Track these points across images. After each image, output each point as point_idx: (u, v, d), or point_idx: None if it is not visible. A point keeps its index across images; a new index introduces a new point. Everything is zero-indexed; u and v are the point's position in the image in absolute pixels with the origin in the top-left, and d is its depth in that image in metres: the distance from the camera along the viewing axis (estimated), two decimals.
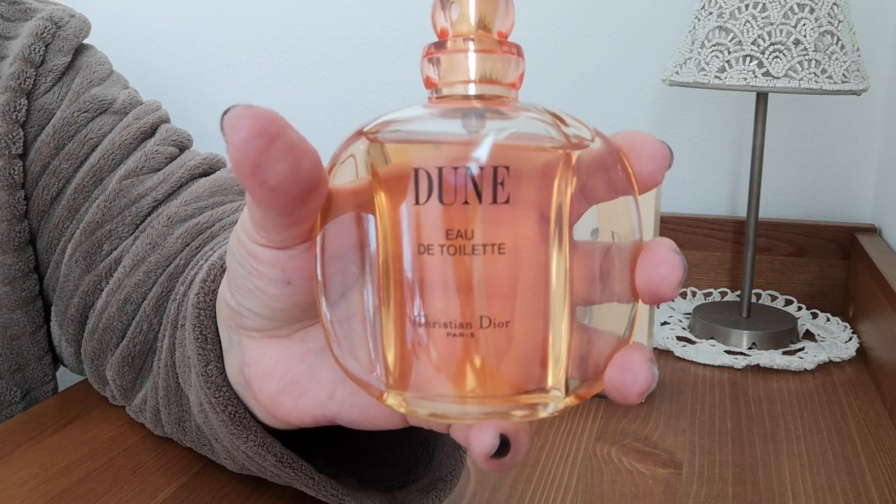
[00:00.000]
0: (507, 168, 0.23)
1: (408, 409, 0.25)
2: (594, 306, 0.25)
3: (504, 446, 0.23)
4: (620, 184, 0.24)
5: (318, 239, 0.25)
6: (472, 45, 0.25)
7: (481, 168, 0.23)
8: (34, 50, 0.52)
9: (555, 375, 0.24)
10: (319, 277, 0.25)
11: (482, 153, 0.23)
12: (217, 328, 0.34)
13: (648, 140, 0.25)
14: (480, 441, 0.23)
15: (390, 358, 0.24)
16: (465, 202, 0.23)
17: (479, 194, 0.23)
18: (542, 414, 0.24)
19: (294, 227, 0.25)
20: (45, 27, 0.53)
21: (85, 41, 0.57)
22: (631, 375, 0.23)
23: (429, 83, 0.26)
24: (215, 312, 0.34)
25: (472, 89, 0.25)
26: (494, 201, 0.23)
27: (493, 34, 0.25)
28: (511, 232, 0.24)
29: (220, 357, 0.34)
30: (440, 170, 0.23)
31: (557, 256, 0.24)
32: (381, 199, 0.24)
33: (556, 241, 0.24)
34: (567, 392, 0.24)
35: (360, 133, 0.25)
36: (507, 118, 0.24)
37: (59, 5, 0.57)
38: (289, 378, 0.30)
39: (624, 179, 0.24)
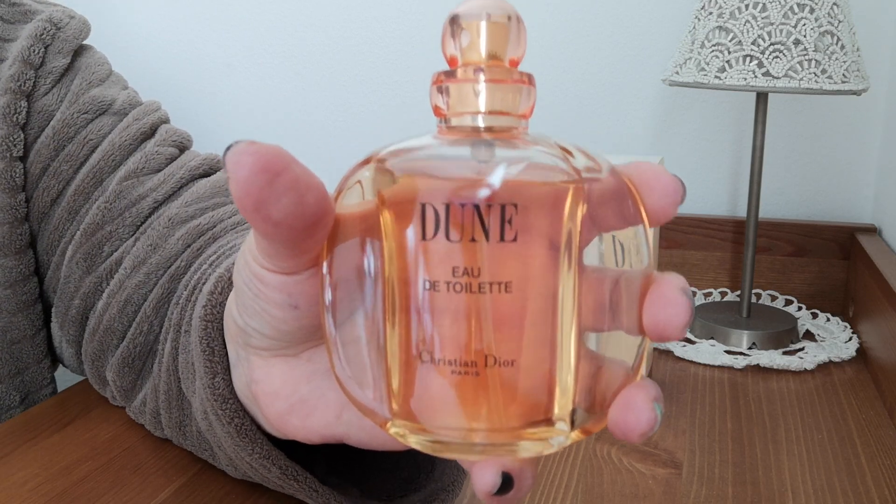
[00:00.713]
0: (515, 206, 0.23)
1: (410, 440, 0.24)
2: (607, 334, 0.24)
3: (507, 484, 0.23)
4: (631, 216, 0.24)
5: (325, 264, 0.25)
6: (482, 76, 0.24)
7: (489, 206, 0.23)
8: (34, 52, 0.52)
9: (561, 405, 0.24)
10: (326, 302, 0.25)
11: (490, 190, 0.23)
12: (224, 341, 0.34)
13: (661, 174, 0.24)
14: (482, 479, 0.23)
15: (395, 387, 0.24)
16: (473, 239, 0.23)
17: (486, 232, 0.23)
18: (548, 450, 0.24)
19: (300, 256, 0.25)
20: (45, 29, 0.53)
21: (85, 42, 0.57)
22: (634, 416, 0.23)
23: (437, 112, 0.25)
24: (222, 325, 0.34)
25: (480, 121, 0.24)
26: (502, 239, 0.23)
27: (504, 62, 0.24)
28: (518, 269, 0.23)
29: (227, 370, 0.33)
30: (447, 206, 0.23)
31: (566, 283, 0.24)
32: (388, 224, 0.24)
33: (566, 268, 0.24)
34: (573, 426, 0.24)
35: (367, 160, 0.24)
36: (517, 151, 0.24)
37: (58, 7, 0.56)
38: (297, 398, 0.30)
39: (635, 213, 0.24)
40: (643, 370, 0.24)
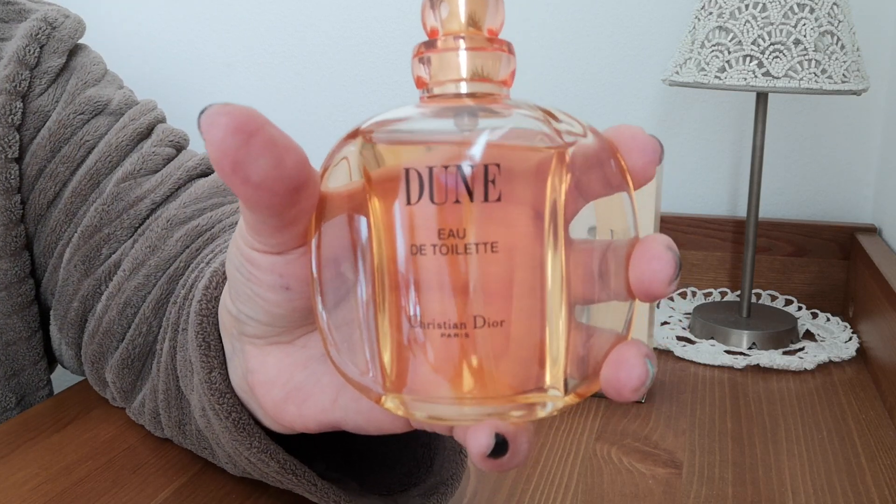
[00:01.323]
0: (498, 166, 0.23)
1: (406, 412, 0.24)
2: (592, 305, 0.24)
3: (501, 446, 0.23)
4: (615, 179, 0.24)
5: (313, 242, 0.25)
6: (462, 44, 0.24)
7: (472, 166, 0.23)
8: (29, 52, 0.52)
9: (553, 375, 0.24)
10: (315, 281, 0.25)
11: (473, 152, 0.23)
12: (220, 335, 0.34)
13: (638, 134, 0.24)
14: (476, 441, 0.23)
15: (387, 360, 0.24)
16: (457, 201, 0.23)
17: (470, 193, 0.23)
18: (541, 413, 0.24)
19: (287, 229, 0.25)
20: (40, 28, 0.53)
21: (81, 41, 0.57)
22: (625, 372, 0.23)
23: (420, 83, 0.25)
24: (217, 320, 0.34)
25: (463, 87, 0.25)
26: (486, 199, 0.23)
27: (483, 32, 0.25)
28: (504, 230, 0.23)
29: (224, 364, 0.34)
30: (431, 169, 0.23)
31: (553, 254, 0.24)
32: (375, 200, 0.24)
33: (552, 239, 0.24)
34: (566, 391, 0.24)
35: (351, 135, 0.25)
36: (498, 116, 0.24)
37: (53, 6, 0.56)
38: (292, 385, 0.30)
39: (618, 174, 0.24)
40: (632, 333, 0.25)
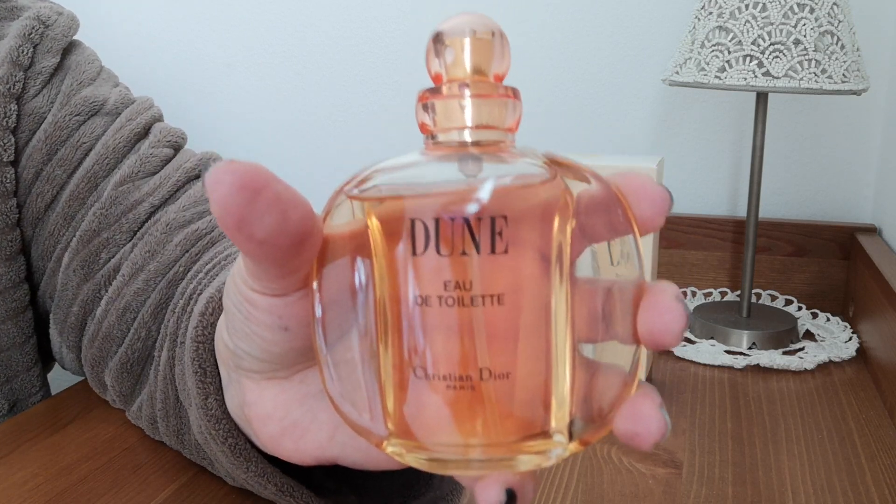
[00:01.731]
0: (505, 218, 0.23)
1: (407, 459, 0.24)
2: (602, 344, 0.24)
3: (511, 499, 0.23)
4: (620, 226, 0.24)
5: (315, 284, 0.25)
6: (467, 92, 0.24)
7: (479, 219, 0.23)
8: (22, 52, 0.51)
9: (558, 418, 0.24)
10: (317, 323, 0.25)
11: (479, 203, 0.23)
12: (216, 361, 0.33)
13: (648, 184, 0.24)
14: (486, 497, 0.23)
15: (390, 406, 0.24)
16: (463, 253, 0.23)
17: (476, 245, 0.23)
18: (546, 463, 0.24)
19: (289, 276, 0.24)
20: (33, 27, 0.52)
21: (77, 37, 0.56)
22: (644, 427, 0.23)
23: (424, 129, 0.25)
24: (213, 346, 0.33)
25: (468, 135, 0.24)
26: (493, 251, 0.23)
27: (489, 78, 0.24)
28: (510, 281, 0.23)
29: (220, 390, 0.33)
30: (437, 220, 0.23)
31: (558, 295, 0.24)
32: (377, 242, 0.24)
33: (558, 280, 0.24)
34: (571, 437, 0.24)
35: (355, 179, 0.24)
36: (503, 163, 0.24)
37: (46, 3, 0.55)
38: (289, 420, 0.30)
39: (624, 222, 0.24)
40: (640, 376, 0.24)
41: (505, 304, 0.23)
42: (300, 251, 0.23)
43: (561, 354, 0.24)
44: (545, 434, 0.24)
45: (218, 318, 0.33)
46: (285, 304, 0.26)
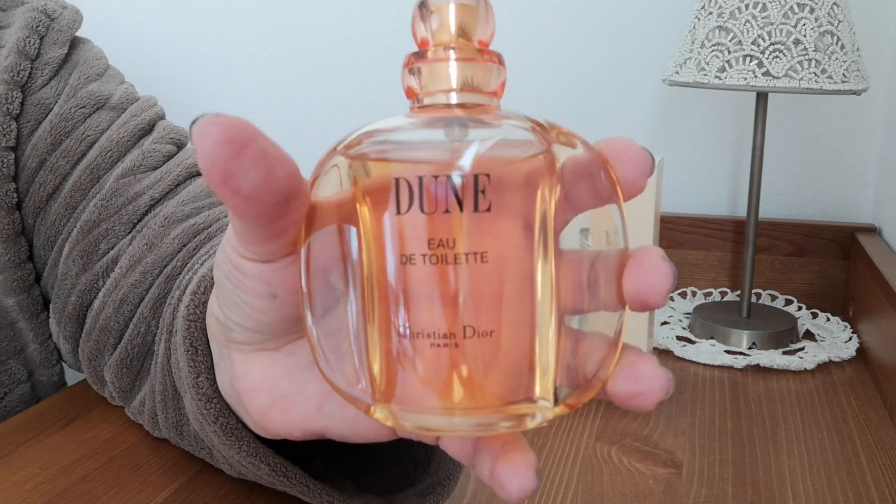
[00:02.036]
0: (489, 176, 0.23)
1: (395, 423, 0.24)
2: (587, 314, 0.24)
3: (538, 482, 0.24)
4: (605, 191, 0.24)
5: (303, 251, 0.25)
6: (452, 54, 0.24)
7: (462, 176, 0.23)
8: (29, 43, 0.52)
9: (542, 385, 0.24)
10: (304, 290, 0.25)
11: (463, 162, 0.23)
12: (208, 340, 0.34)
13: (630, 146, 0.24)
14: (518, 483, 0.23)
15: (376, 370, 0.24)
16: (447, 211, 0.23)
17: (460, 203, 0.23)
18: (530, 425, 0.24)
19: (276, 238, 0.24)
20: (40, 20, 0.53)
21: (82, 36, 0.57)
22: (646, 385, 0.23)
23: (410, 93, 0.25)
24: (205, 325, 0.33)
25: (453, 98, 0.24)
26: (476, 210, 0.23)
27: (473, 42, 0.25)
28: (494, 240, 0.23)
29: (211, 368, 0.34)
30: (421, 179, 0.23)
31: (543, 265, 0.24)
32: (364, 210, 0.24)
33: (542, 250, 0.24)
34: (556, 402, 0.24)
35: (342, 145, 0.24)
36: (489, 127, 0.24)
37: None
38: (277, 392, 0.30)
39: (608, 186, 0.24)
40: (623, 339, 0.25)
41: (489, 263, 0.23)
42: (286, 210, 0.23)
43: (545, 322, 0.24)
44: (529, 399, 0.24)
45: (209, 297, 0.33)
46: (273, 270, 0.26)
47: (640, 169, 0.24)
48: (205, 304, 0.34)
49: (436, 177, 0.23)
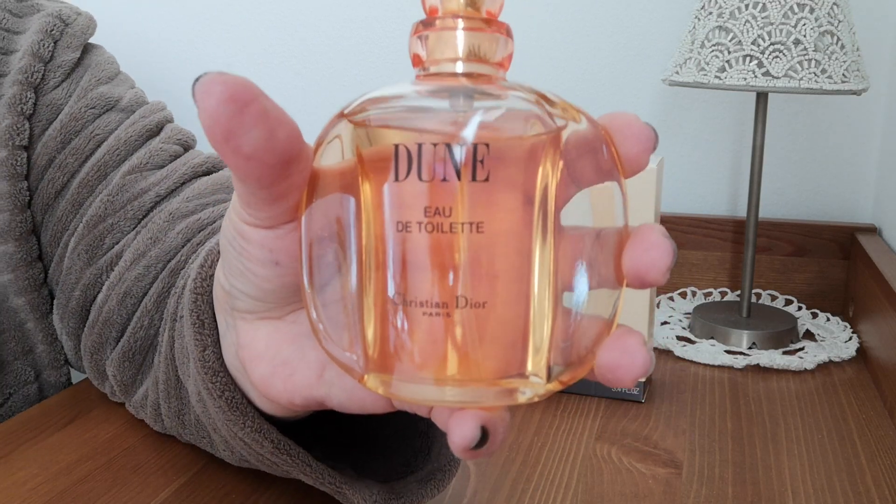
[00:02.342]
0: (487, 146, 0.23)
1: (386, 391, 0.24)
2: (584, 291, 0.24)
3: (484, 438, 0.23)
4: (607, 166, 0.24)
5: (303, 219, 0.25)
6: (460, 23, 0.24)
7: (461, 146, 0.23)
8: (43, 46, 0.53)
9: (535, 361, 0.24)
10: (304, 258, 0.25)
11: (464, 132, 0.23)
12: (214, 314, 0.34)
13: (633, 122, 0.24)
14: (461, 432, 0.23)
15: (370, 339, 0.24)
16: (444, 179, 0.23)
17: (458, 172, 0.23)
18: (521, 399, 0.24)
19: (277, 202, 0.25)
20: (54, 24, 0.54)
21: (94, 42, 0.58)
22: (628, 358, 0.23)
23: (416, 60, 0.25)
24: (212, 298, 0.34)
25: (459, 67, 0.24)
26: (474, 179, 0.23)
27: (481, 13, 0.25)
28: (491, 211, 0.23)
29: (217, 342, 0.34)
30: (420, 146, 0.23)
31: (541, 240, 0.24)
32: (365, 179, 0.24)
33: (541, 224, 0.24)
34: (549, 378, 0.24)
35: (346, 112, 0.24)
36: (493, 98, 0.24)
37: (65, 3, 0.58)
38: (279, 359, 0.30)
39: (610, 163, 0.24)
40: (619, 319, 0.24)
41: (485, 234, 0.23)
42: (287, 173, 0.23)
43: (542, 299, 0.24)
44: (522, 375, 0.24)
45: (215, 270, 0.33)
46: (276, 236, 0.26)
47: (643, 145, 0.24)
48: (211, 276, 0.34)
49: (434, 144, 0.23)
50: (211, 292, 0.34)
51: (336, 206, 0.25)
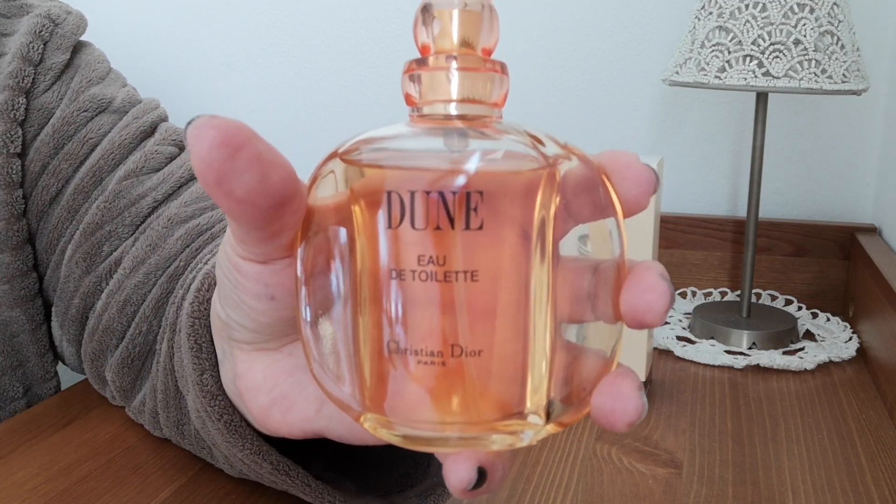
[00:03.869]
0: (481, 193, 0.22)
1: (383, 433, 0.24)
2: (583, 325, 0.24)
3: (481, 478, 0.23)
4: (604, 203, 0.24)
5: (299, 254, 0.25)
6: (454, 64, 0.24)
7: (454, 193, 0.22)
8: (33, 48, 0.52)
9: (534, 399, 0.24)
10: (300, 294, 0.24)
11: (456, 178, 0.22)
12: (212, 338, 0.34)
13: (633, 163, 0.24)
14: (457, 474, 0.23)
15: (366, 380, 0.24)
16: (438, 228, 0.23)
17: (451, 219, 0.22)
18: (520, 443, 0.24)
19: (271, 240, 0.24)
20: (44, 25, 0.53)
21: (83, 38, 0.57)
22: (621, 405, 0.23)
23: (409, 100, 0.25)
24: (209, 322, 0.34)
25: (453, 109, 0.24)
26: (468, 227, 0.23)
27: (476, 51, 0.24)
28: (485, 258, 0.23)
29: (216, 366, 0.34)
30: (412, 194, 0.22)
31: (539, 273, 0.23)
32: (359, 216, 0.24)
33: (538, 257, 0.23)
34: (548, 418, 0.24)
35: (339, 151, 0.24)
36: (488, 139, 0.24)
37: (55, 2, 0.56)
38: (277, 392, 0.30)
39: (606, 202, 0.23)
40: (618, 358, 0.24)
41: (480, 281, 0.23)
42: (281, 213, 0.23)
43: (540, 334, 0.23)
44: (521, 415, 0.24)
45: (212, 295, 0.33)
46: (271, 272, 0.26)
47: (643, 187, 0.24)
48: (209, 301, 0.34)
49: (427, 192, 0.22)
50: (208, 316, 0.34)
51: (331, 242, 0.24)
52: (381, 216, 0.23)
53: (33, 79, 0.52)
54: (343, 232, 0.24)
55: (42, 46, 0.53)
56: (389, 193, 0.23)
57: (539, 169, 0.23)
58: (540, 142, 0.24)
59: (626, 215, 0.24)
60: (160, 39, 0.97)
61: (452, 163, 0.23)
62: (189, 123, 0.22)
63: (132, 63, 0.97)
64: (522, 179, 0.23)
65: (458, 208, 0.22)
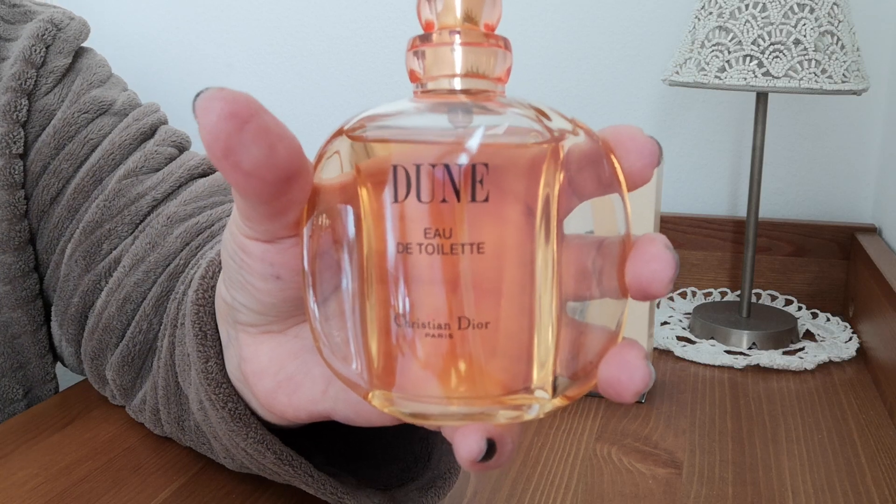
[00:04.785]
0: (486, 165, 0.23)
1: (391, 409, 0.24)
2: (588, 302, 0.24)
3: (491, 450, 0.23)
4: (608, 179, 0.24)
5: (305, 233, 0.25)
6: (457, 38, 0.24)
7: (460, 165, 0.23)
8: (35, 51, 0.53)
9: (540, 375, 0.24)
10: (306, 272, 0.25)
11: (463, 150, 0.23)
12: (216, 325, 0.34)
13: (637, 135, 0.24)
14: (466, 446, 0.23)
15: (374, 356, 0.24)
16: (444, 200, 0.23)
17: (457, 192, 0.23)
18: (528, 416, 0.24)
19: (278, 217, 0.24)
20: (46, 29, 0.54)
21: (84, 43, 0.57)
22: (627, 373, 0.23)
23: (413, 77, 0.25)
24: (214, 309, 0.34)
25: (457, 83, 0.24)
26: (473, 199, 0.23)
27: (479, 27, 0.24)
28: (492, 230, 0.23)
29: (220, 353, 0.34)
30: (418, 167, 0.23)
31: (544, 250, 0.23)
32: (364, 194, 0.24)
33: (543, 234, 0.23)
34: (554, 392, 0.24)
35: (345, 128, 0.24)
36: (492, 114, 0.24)
37: (58, 8, 0.57)
38: (283, 374, 0.30)
39: (611, 176, 0.24)
40: (623, 331, 0.24)
41: (486, 254, 0.23)
42: (287, 189, 0.23)
43: (545, 309, 0.24)
44: (527, 389, 0.24)
45: (217, 281, 0.33)
46: (277, 251, 0.26)
47: (646, 159, 0.24)
48: (212, 288, 0.34)
49: (433, 165, 0.23)
50: (213, 303, 0.34)
51: (337, 220, 0.24)
52: (388, 191, 0.23)
53: (35, 81, 0.53)
54: (349, 210, 0.24)
55: (44, 50, 0.53)
56: (395, 168, 0.23)
57: (544, 143, 0.23)
58: (545, 115, 0.24)
59: (630, 188, 0.24)
60: (161, 40, 0.97)
61: (457, 137, 0.23)
62: (198, 95, 0.22)
63: (134, 64, 0.97)
64: (527, 154, 0.23)
65: (463, 180, 0.23)
